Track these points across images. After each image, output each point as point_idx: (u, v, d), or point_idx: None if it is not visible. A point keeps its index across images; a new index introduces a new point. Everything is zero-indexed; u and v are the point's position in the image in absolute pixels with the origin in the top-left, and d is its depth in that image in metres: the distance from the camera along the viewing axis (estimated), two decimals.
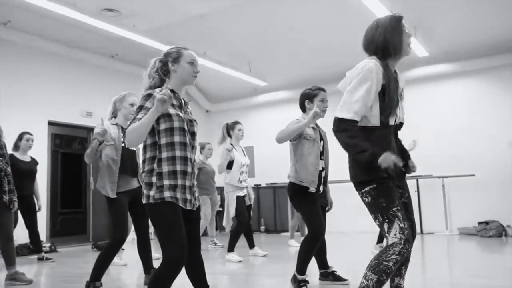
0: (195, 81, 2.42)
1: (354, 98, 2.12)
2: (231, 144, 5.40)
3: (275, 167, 8.85)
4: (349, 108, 2.12)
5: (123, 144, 3.58)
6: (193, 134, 2.36)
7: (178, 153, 2.22)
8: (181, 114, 2.28)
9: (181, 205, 2.22)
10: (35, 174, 5.70)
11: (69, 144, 8.45)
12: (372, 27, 2.27)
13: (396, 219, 2.09)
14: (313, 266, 4.00)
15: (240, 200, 5.30)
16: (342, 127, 2.12)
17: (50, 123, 7.55)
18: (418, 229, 7.62)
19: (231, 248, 5.27)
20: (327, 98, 3.51)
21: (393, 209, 2.10)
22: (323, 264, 3.71)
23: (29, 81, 7.18)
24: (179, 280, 2.28)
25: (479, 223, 7.32)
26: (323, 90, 3.52)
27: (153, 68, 2.42)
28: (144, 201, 2.23)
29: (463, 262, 4.87)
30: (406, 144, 2.48)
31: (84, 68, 8.00)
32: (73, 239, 8.04)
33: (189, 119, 2.36)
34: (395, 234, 2.07)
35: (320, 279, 3.73)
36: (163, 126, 2.22)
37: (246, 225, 5.38)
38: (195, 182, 2.41)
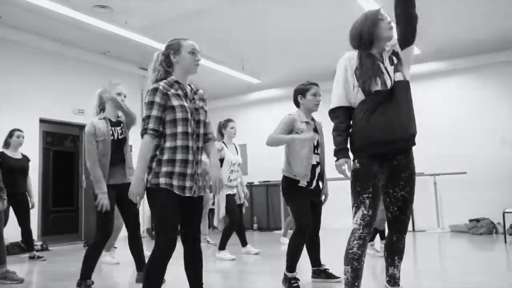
0: (197, 69, 2.49)
1: (334, 88, 2.44)
2: (223, 143, 5.39)
3: (268, 164, 8.86)
4: (332, 98, 2.43)
5: (112, 138, 3.59)
6: (198, 122, 2.42)
7: (179, 142, 2.31)
8: (185, 104, 2.35)
9: (177, 192, 2.28)
10: (27, 171, 5.65)
11: (61, 142, 8.38)
12: (353, 25, 2.50)
13: (362, 205, 2.26)
14: (305, 263, 4.02)
15: (230, 198, 5.28)
16: (330, 117, 2.46)
17: (42, 121, 7.49)
18: (410, 227, 7.66)
19: (222, 246, 5.26)
20: (320, 92, 3.52)
21: (364, 195, 2.27)
22: (315, 261, 3.72)
23: (20, 78, 7.11)
24: (171, 275, 2.27)
25: (470, 220, 7.39)
26: (316, 84, 3.55)
27: (156, 62, 2.49)
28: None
29: (454, 259, 4.90)
30: None
31: (76, 65, 7.94)
32: (65, 237, 7.99)
33: (194, 107, 2.42)
34: (356, 220, 2.28)
35: (312, 276, 3.74)
36: (167, 117, 2.32)
37: (237, 224, 5.36)
38: (199, 171, 2.42)
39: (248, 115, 10.28)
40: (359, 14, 2.51)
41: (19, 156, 5.57)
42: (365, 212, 2.25)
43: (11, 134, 5.52)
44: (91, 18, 6.02)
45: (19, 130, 5.58)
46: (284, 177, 3.47)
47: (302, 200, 3.39)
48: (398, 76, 2.37)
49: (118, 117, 3.76)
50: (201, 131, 2.44)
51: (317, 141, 3.49)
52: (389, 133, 2.26)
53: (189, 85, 2.51)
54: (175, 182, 2.28)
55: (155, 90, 2.31)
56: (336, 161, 2.37)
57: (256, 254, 5.54)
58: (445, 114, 8.18)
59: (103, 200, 3.38)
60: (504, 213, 6.12)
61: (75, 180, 8.37)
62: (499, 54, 7.68)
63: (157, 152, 2.32)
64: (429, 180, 7.87)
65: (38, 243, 6.59)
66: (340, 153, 2.37)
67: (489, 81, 7.94)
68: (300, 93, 3.53)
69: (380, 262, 2.51)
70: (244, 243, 5.67)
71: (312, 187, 3.45)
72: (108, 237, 3.53)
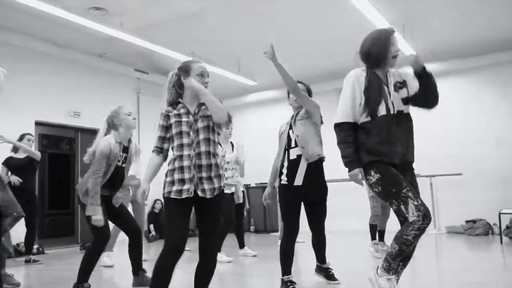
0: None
1: (340, 103, 2.58)
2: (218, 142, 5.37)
3: (265, 166, 8.84)
4: (338, 113, 2.57)
5: (118, 163, 3.62)
6: (197, 131, 2.53)
7: (176, 153, 2.54)
8: (183, 119, 2.55)
9: (173, 196, 2.44)
10: (35, 169, 5.75)
11: (57, 144, 8.36)
12: (366, 39, 2.62)
13: (409, 199, 2.34)
14: (304, 265, 4.01)
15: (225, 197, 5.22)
16: (336, 131, 2.58)
17: (37, 123, 7.45)
18: None
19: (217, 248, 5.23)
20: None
21: (403, 191, 2.36)
22: (319, 258, 3.71)
23: (15, 80, 7.07)
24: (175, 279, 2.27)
25: (467, 221, 7.41)
26: (299, 82, 3.64)
27: (170, 83, 2.67)
28: None
29: (451, 260, 4.91)
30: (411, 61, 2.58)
31: (72, 68, 7.91)
32: (61, 240, 7.95)
33: (195, 119, 2.56)
34: (413, 213, 2.32)
35: (315, 270, 3.76)
36: (169, 135, 2.60)
37: (230, 224, 5.27)
38: (204, 174, 2.48)
39: (244, 117, 10.27)
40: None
41: (22, 156, 5.64)
42: (415, 203, 2.33)
43: (21, 137, 5.62)
44: (86, 20, 6.01)
45: (29, 134, 5.75)
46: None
47: (287, 200, 3.36)
48: (407, 109, 2.58)
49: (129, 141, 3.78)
50: (201, 137, 2.52)
51: (296, 135, 3.39)
52: (391, 158, 2.47)
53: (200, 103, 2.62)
54: (174, 188, 2.46)
55: (161, 114, 2.61)
56: (349, 171, 2.50)
57: (253, 256, 5.53)
58: (441, 116, 8.20)
59: (98, 213, 3.39)
60: (500, 214, 6.15)
61: (71, 183, 8.33)
62: (495, 55, 7.70)
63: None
64: (425, 181, 7.89)
65: (34, 246, 6.55)
66: (352, 163, 2.49)
67: (485, 82, 7.97)
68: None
69: None
70: (241, 245, 5.66)
71: (297, 184, 3.30)
72: (106, 241, 3.55)
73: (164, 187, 2.51)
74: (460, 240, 6.56)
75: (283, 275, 3.35)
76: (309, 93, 3.64)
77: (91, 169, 3.52)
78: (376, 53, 2.53)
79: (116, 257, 5.38)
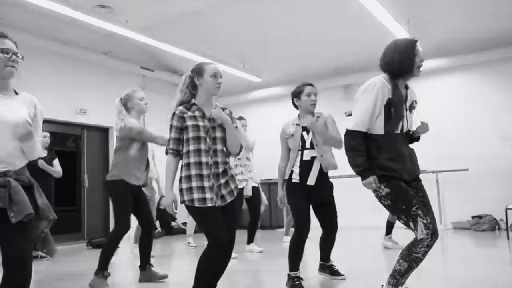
0: (218, 91, 2.69)
1: (359, 111, 2.50)
2: None
3: (270, 163, 8.84)
4: (355, 120, 2.51)
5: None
6: (214, 139, 2.60)
7: (193, 159, 2.55)
8: (199, 124, 2.58)
9: (198, 205, 2.51)
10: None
11: (63, 142, 8.41)
12: (389, 48, 2.56)
13: (419, 217, 2.38)
14: (311, 262, 4.01)
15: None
16: (347, 138, 2.54)
17: (44, 121, 7.46)
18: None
19: None
20: (314, 91, 3.49)
21: (413, 209, 2.39)
22: (324, 257, 3.71)
23: (21, 78, 7.10)
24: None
25: (473, 217, 7.38)
26: (309, 84, 3.52)
27: (184, 84, 2.72)
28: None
29: (457, 255, 4.90)
30: (417, 127, 2.72)
31: (78, 65, 7.94)
32: (68, 237, 8.01)
33: (212, 126, 2.61)
34: (422, 231, 2.36)
35: (318, 269, 3.77)
36: (184, 137, 2.61)
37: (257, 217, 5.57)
38: (222, 181, 2.58)
39: (249, 113, 10.26)
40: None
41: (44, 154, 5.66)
42: (425, 221, 2.37)
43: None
44: (91, 18, 6.02)
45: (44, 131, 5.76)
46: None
47: (298, 199, 3.37)
48: (410, 126, 2.66)
49: None
50: (219, 147, 2.61)
51: (313, 135, 3.39)
52: (402, 175, 2.50)
53: (216, 104, 2.71)
54: (195, 196, 2.52)
55: (172, 115, 2.63)
56: (363, 179, 2.49)
57: (259, 252, 5.54)
58: (447, 111, 8.16)
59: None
60: (506, 209, 6.12)
61: (77, 180, 8.38)
62: (501, 51, 7.64)
63: (180, 172, 2.60)
64: (431, 177, 7.86)
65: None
66: (365, 172, 2.48)
67: (492, 78, 7.92)
68: (295, 96, 3.54)
69: (396, 255, 2.53)
70: (250, 240, 5.65)
71: (310, 183, 3.36)
72: (127, 230, 3.66)
73: (182, 194, 2.56)
74: (466, 236, 6.54)
75: (290, 270, 3.35)
76: (300, 93, 3.53)
77: (158, 140, 3.70)
78: (401, 62, 2.49)
79: (121, 254, 5.41)
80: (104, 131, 8.59)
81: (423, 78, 8.29)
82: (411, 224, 2.40)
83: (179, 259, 5.65)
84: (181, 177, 2.59)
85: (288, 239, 6.47)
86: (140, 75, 8.94)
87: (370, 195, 2.64)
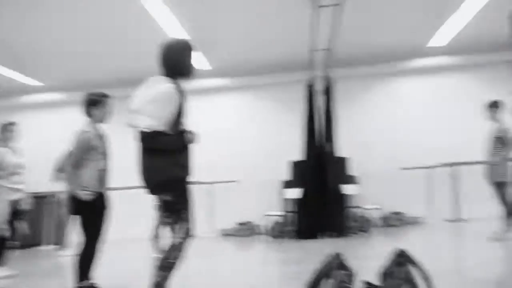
0: None
1: (163, 114, 2.52)
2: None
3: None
4: (159, 121, 2.52)
5: None
6: None
7: None
8: None
9: None
10: None
11: None
12: (166, 48, 2.62)
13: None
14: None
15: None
16: (155, 137, 2.54)
17: None
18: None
19: None
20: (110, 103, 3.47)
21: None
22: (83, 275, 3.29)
23: None
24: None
25: (240, 224, 8.15)
26: (107, 96, 3.46)
27: None
28: None
29: (224, 260, 5.31)
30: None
31: None
32: None
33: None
34: None
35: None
36: None
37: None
38: None
39: (28, 119, 9.22)
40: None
41: None
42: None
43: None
44: None
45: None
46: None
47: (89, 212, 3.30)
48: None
49: None
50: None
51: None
52: None
53: None
54: None
55: None
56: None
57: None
58: (219, 128, 8.84)
59: None
60: (264, 216, 7.02)
61: None
62: (283, 75, 8.77)
63: None
64: (205, 187, 8.40)
65: None
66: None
67: (262, 100, 9.00)
68: (92, 104, 3.40)
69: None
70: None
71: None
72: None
73: None
74: (232, 241, 7.18)
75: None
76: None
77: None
78: (184, 63, 2.68)
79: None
80: None
81: (203, 95, 8.87)
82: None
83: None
84: None
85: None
86: None
87: None
